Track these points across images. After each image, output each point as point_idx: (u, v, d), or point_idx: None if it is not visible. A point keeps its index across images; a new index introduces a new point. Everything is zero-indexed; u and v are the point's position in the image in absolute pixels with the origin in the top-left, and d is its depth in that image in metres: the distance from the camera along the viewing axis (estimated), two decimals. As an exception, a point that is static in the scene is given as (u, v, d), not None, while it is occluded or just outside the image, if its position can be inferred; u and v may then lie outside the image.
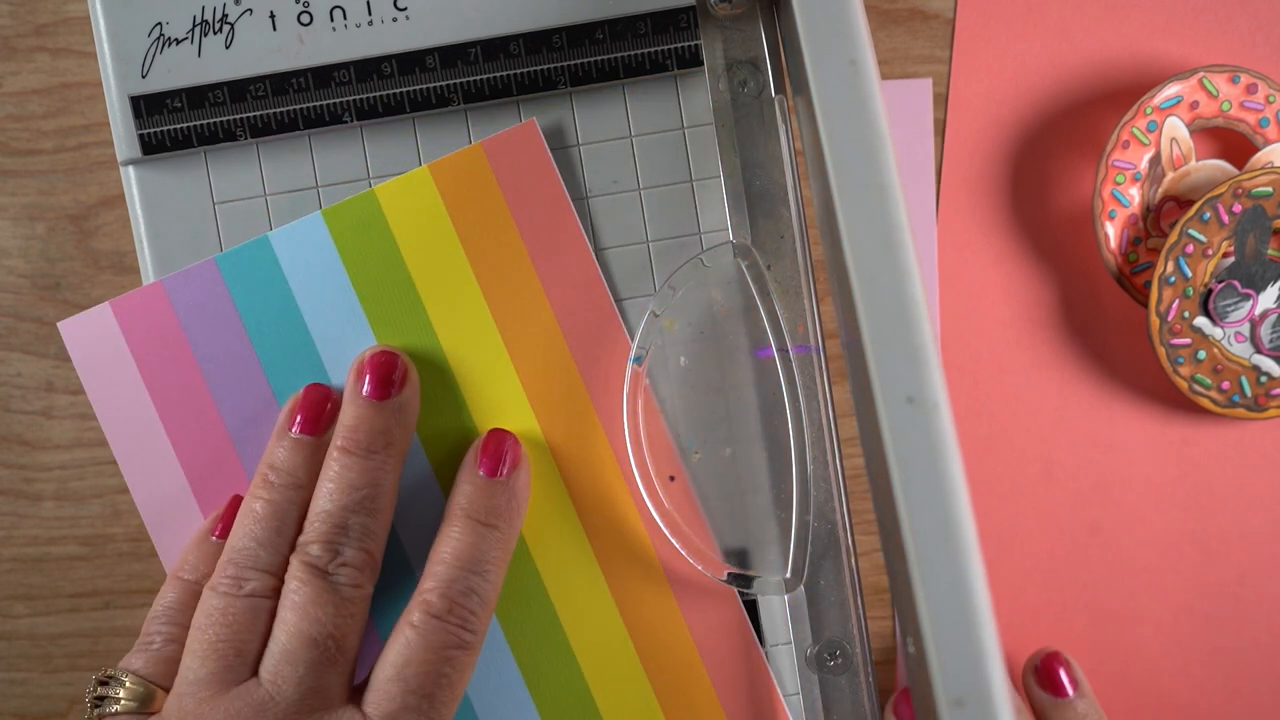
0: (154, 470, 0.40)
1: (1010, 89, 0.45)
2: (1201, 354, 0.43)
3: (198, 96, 0.39)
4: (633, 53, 0.39)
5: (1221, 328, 0.43)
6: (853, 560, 0.40)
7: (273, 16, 0.39)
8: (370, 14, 0.39)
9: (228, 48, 0.39)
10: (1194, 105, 0.43)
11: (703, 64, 0.39)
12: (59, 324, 0.40)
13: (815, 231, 0.42)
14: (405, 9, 0.39)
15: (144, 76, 0.39)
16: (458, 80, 0.39)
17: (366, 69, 0.39)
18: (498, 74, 0.39)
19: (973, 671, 0.29)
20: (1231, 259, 0.43)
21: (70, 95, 0.45)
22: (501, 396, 0.40)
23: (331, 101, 0.39)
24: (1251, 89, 0.43)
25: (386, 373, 0.38)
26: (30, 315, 0.45)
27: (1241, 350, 0.43)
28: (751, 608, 0.41)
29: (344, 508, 0.37)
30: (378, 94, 0.39)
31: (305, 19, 0.39)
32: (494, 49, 0.39)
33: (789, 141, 0.39)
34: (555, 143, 0.40)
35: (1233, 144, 0.44)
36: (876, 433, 0.30)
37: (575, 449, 0.40)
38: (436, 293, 0.39)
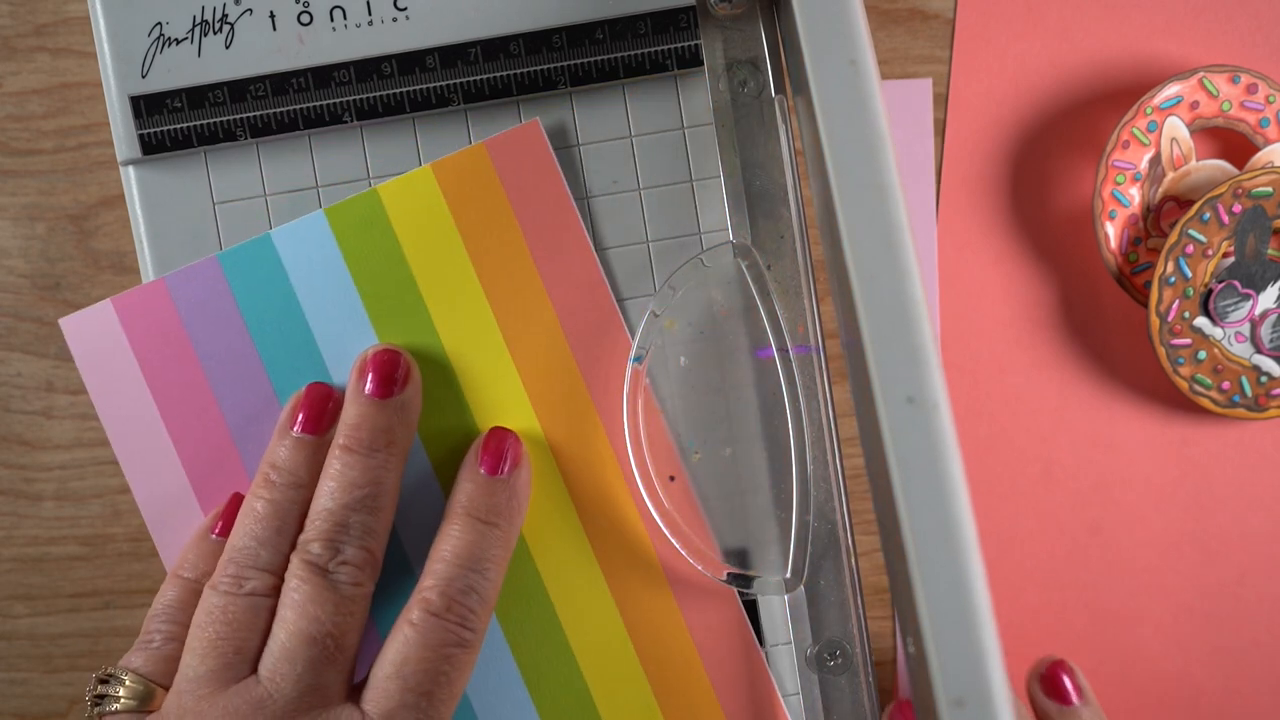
0: (155, 468, 0.40)
1: (1010, 89, 0.45)
2: (1202, 354, 0.43)
3: (198, 96, 0.39)
4: (633, 53, 0.39)
5: (1222, 328, 0.43)
6: (853, 560, 0.40)
7: (273, 16, 0.39)
8: (370, 14, 0.39)
9: (228, 48, 0.39)
10: (1194, 105, 0.43)
11: (703, 64, 0.39)
12: (60, 321, 0.40)
13: (815, 231, 0.42)
14: (405, 9, 0.39)
15: (144, 76, 0.39)
16: (458, 80, 0.39)
17: (366, 69, 0.39)
18: (498, 74, 0.39)
19: (973, 671, 0.29)
20: (1231, 259, 0.43)
21: (70, 95, 0.45)
22: (503, 395, 0.40)
23: (331, 101, 0.39)
24: (1251, 89, 0.43)
25: (389, 371, 0.38)
26: (30, 315, 0.45)
27: (1242, 350, 0.43)
28: (751, 608, 0.41)
29: (345, 506, 0.37)
30: (378, 94, 0.39)
31: (305, 19, 0.39)
32: (494, 49, 0.39)
33: (789, 141, 0.39)
34: (555, 143, 0.40)
35: (1233, 144, 0.44)
36: (876, 433, 0.31)
37: (576, 448, 0.40)
38: (438, 291, 0.39)
